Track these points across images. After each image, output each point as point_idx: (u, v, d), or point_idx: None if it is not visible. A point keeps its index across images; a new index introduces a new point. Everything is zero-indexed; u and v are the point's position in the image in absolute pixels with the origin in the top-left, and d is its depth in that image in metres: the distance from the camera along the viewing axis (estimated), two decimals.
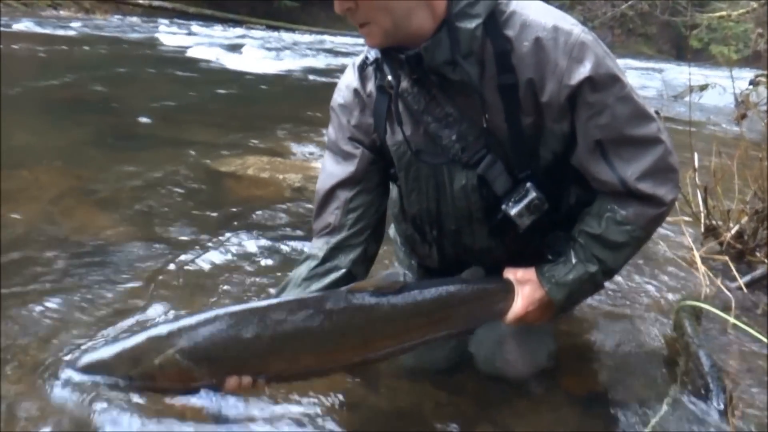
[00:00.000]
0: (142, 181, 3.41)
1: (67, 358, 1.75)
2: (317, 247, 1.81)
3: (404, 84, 1.68)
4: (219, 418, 1.53)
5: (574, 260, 1.69)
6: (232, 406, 1.56)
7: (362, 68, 1.80)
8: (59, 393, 1.48)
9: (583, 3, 27.92)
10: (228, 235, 2.83)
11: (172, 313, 2.12)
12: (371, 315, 1.65)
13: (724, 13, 16.75)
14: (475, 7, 1.58)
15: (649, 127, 1.62)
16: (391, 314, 1.67)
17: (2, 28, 11.26)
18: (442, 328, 1.75)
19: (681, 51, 25.89)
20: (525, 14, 1.61)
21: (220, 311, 1.58)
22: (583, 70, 1.55)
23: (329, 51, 13.39)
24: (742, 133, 3.73)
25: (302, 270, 1.78)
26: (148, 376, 1.47)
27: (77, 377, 1.48)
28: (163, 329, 1.55)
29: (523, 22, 1.60)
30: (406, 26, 1.58)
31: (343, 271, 1.75)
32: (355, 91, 1.81)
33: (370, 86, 1.79)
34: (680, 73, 14.08)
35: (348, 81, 1.84)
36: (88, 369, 1.50)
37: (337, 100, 1.86)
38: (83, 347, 1.85)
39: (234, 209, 3.17)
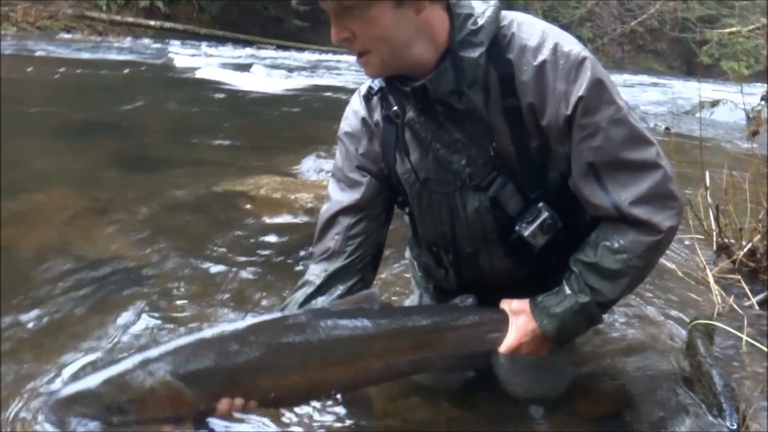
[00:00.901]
0: (157, 202, 3.46)
1: (45, 391, 1.67)
2: (315, 273, 1.83)
3: (410, 114, 1.70)
4: None
5: (567, 291, 1.68)
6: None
7: (368, 98, 1.81)
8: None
9: (592, 20, 28.05)
10: (241, 255, 2.87)
11: (172, 333, 2.14)
12: (356, 332, 1.66)
13: (734, 29, 16.78)
14: (479, 35, 1.59)
15: (646, 151, 1.60)
16: (377, 332, 1.68)
17: (24, 52, 11.49)
18: (431, 353, 1.75)
19: (691, 67, 25.85)
20: (524, 36, 1.62)
21: (206, 332, 1.58)
22: (578, 91, 1.56)
23: (338, 70, 13.48)
24: (753, 149, 3.72)
25: (298, 296, 1.81)
26: (138, 401, 1.38)
27: (57, 413, 1.35)
28: (152, 352, 1.47)
29: (523, 45, 1.61)
30: (406, 56, 1.58)
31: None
32: (363, 119, 1.83)
33: (377, 115, 1.80)
34: (691, 89, 14.11)
35: (355, 109, 1.86)
36: (70, 401, 1.37)
37: (344, 128, 1.88)
38: (62, 378, 1.78)
39: (247, 230, 3.21)
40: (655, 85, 15.54)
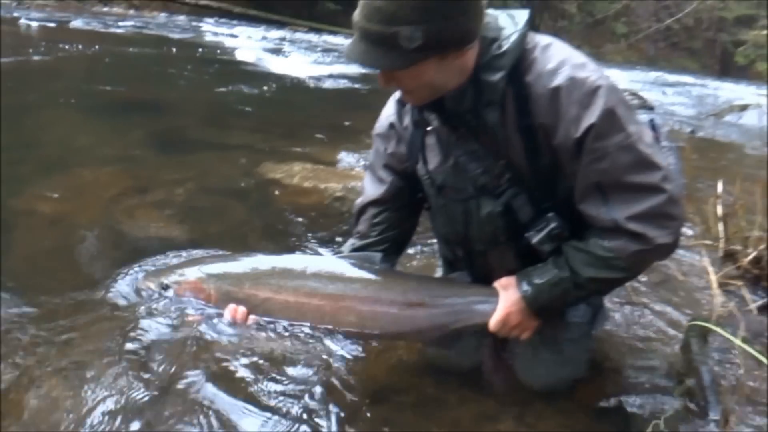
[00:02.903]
0: (195, 184, 3.62)
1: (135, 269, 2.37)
2: (346, 246, 2.19)
3: (435, 122, 1.86)
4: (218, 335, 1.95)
5: (550, 265, 1.83)
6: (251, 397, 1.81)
7: (401, 102, 2.00)
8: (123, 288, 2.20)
9: (628, 15, 27.77)
10: (272, 240, 3.04)
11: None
12: (348, 274, 2.00)
13: None
14: (502, 60, 1.70)
15: (650, 176, 1.68)
16: (367, 279, 2.00)
17: (62, 24, 11.75)
18: (419, 312, 1.95)
19: (726, 66, 25.50)
20: (544, 62, 1.71)
21: (233, 256, 2.25)
22: (590, 118, 1.64)
23: None
24: None
25: None
26: (177, 282, 2.05)
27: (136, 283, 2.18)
28: (196, 261, 2.21)
29: (542, 70, 1.70)
30: (442, 92, 1.74)
31: None
32: (391, 124, 2.05)
33: (407, 119, 1.99)
34: (724, 91, 13.95)
35: (388, 113, 2.07)
36: (144, 277, 2.18)
37: (377, 129, 2.11)
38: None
39: (280, 216, 3.36)
40: (685, 84, 15.35)
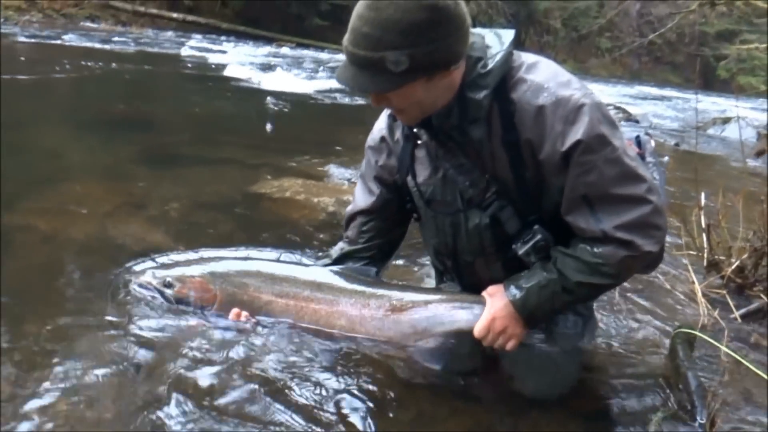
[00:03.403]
0: (189, 200, 3.64)
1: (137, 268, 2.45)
2: (335, 250, 2.30)
3: (425, 136, 1.93)
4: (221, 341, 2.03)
5: (538, 269, 1.88)
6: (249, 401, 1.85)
7: (393, 116, 2.06)
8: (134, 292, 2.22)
9: (611, 31, 28.09)
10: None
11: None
12: (342, 283, 2.14)
13: (753, 45, 16.81)
14: (486, 78, 1.77)
15: (636, 187, 1.74)
16: (358, 287, 2.13)
17: (51, 41, 11.76)
18: (403, 319, 2.06)
19: (708, 80, 25.82)
20: (530, 80, 1.78)
21: (238, 259, 2.47)
22: (575, 134, 1.71)
23: None
24: (756, 169, 3.88)
25: (318, 262, 2.32)
26: (180, 281, 2.15)
27: (138, 279, 2.23)
28: (203, 261, 2.35)
29: (528, 88, 1.77)
30: (432, 110, 1.81)
31: None
32: (383, 137, 2.12)
33: (398, 133, 2.06)
34: (706, 104, 14.15)
35: (380, 127, 2.15)
36: (146, 274, 2.23)
37: (369, 142, 2.19)
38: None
39: (272, 230, 3.39)
40: (669, 98, 15.52)
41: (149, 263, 2.52)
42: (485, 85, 1.77)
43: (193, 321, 2.11)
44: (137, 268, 2.46)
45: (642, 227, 1.76)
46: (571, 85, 1.78)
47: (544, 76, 1.79)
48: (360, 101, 8.77)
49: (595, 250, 1.79)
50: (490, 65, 1.78)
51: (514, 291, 1.89)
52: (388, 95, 1.75)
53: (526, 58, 1.85)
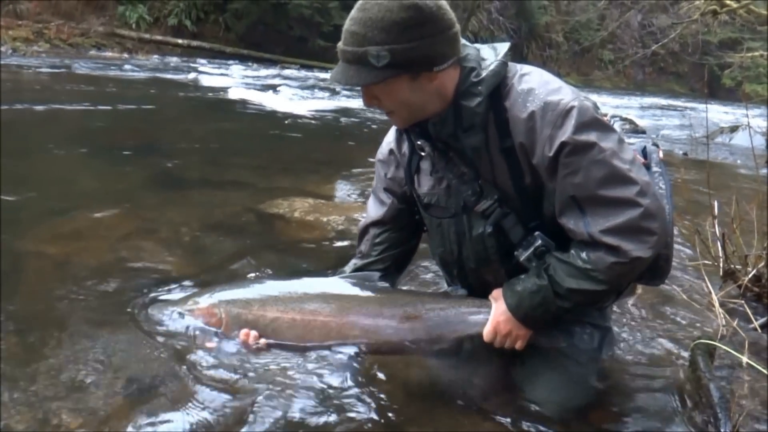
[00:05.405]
0: (199, 223, 3.65)
1: (151, 296, 2.55)
2: (349, 265, 2.34)
3: (428, 148, 1.99)
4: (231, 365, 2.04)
5: (532, 274, 1.92)
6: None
7: (400, 131, 2.15)
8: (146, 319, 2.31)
9: (614, 42, 28.17)
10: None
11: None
12: (349, 293, 2.14)
13: (757, 53, 16.84)
14: (480, 86, 1.84)
15: (624, 190, 1.76)
16: (367, 296, 2.14)
17: (63, 70, 11.88)
18: (417, 324, 2.07)
19: (713, 89, 25.83)
20: (522, 87, 1.85)
21: (242, 283, 2.50)
22: (562, 137, 1.76)
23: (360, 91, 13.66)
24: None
25: None
26: (191, 310, 2.20)
27: (152, 310, 2.32)
28: (210, 289, 2.31)
29: (518, 95, 1.84)
30: (422, 114, 1.89)
31: None
32: (391, 150, 2.20)
33: (405, 146, 2.14)
34: (713, 113, 14.15)
35: (388, 140, 2.23)
36: (160, 305, 2.32)
37: (379, 155, 2.27)
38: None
39: (284, 250, 3.40)
40: (676, 108, 15.51)
41: (164, 295, 2.57)
42: (478, 93, 1.84)
43: (204, 346, 2.12)
44: (154, 299, 2.53)
45: (631, 232, 1.77)
46: (561, 91, 1.84)
47: (535, 83, 1.86)
48: (361, 120, 8.79)
49: (585, 255, 1.83)
50: (483, 74, 1.85)
51: (509, 295, 1.97)
52: (377, 94, 1.86)
53: (520, 68, 1.93)
